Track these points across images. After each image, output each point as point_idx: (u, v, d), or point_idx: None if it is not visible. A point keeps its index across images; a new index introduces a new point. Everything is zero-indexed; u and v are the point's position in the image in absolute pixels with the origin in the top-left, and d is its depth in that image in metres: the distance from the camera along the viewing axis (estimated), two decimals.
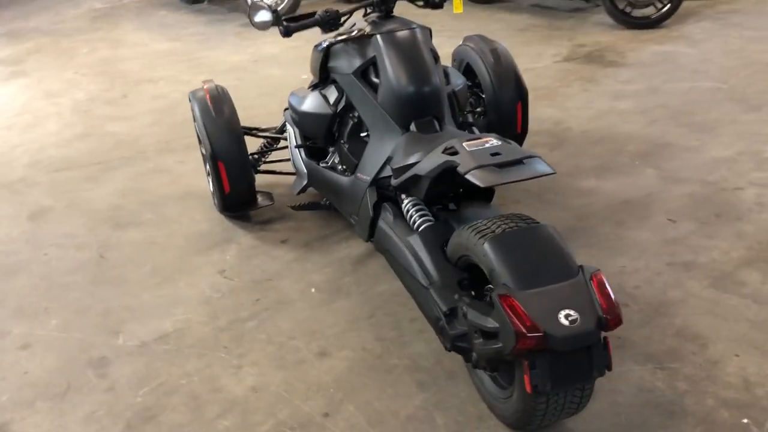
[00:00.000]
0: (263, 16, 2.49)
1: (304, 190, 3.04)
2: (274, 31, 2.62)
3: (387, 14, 2.67)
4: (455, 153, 2.00)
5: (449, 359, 2.30)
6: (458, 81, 2.92)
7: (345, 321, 2.57)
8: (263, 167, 3.37)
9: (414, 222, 2.34)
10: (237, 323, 2.60)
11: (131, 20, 7.17)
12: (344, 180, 2.73)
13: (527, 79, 4.61)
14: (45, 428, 2.21)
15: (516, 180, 1.91)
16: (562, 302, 1.72)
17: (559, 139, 3.81)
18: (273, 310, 2.66)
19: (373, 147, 2.56)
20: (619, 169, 3.45)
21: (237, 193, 3.06)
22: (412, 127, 2.46)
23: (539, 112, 4.13)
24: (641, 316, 2.48)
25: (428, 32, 2.74)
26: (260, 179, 3.36)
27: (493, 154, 1.94)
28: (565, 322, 1.69)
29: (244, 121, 3.72)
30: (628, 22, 5.41)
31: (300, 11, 4.86)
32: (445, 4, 2.88)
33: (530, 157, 1.94)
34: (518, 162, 1.91)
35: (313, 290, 2.75)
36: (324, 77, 2.86)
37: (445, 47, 3.63)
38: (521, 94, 3.30)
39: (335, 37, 2.71)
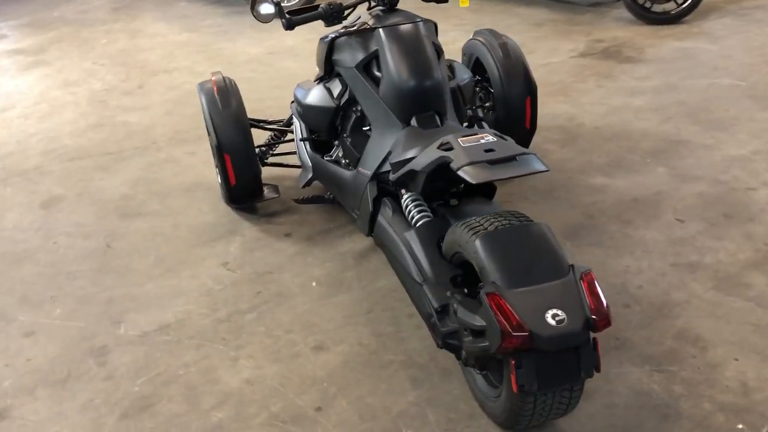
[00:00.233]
0: (266, 8, 2.49)
1: (309, 183, 3.04)
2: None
3: (391, 7, 2.65)
4: (450, 149, 1.99)
5: (444, 356, 2.29)
6: (464, 76, 2.90)
7: (343, 315, 2.57)
8: (271, 160, 3.38)
9: (412, 217, 2.33)
10: (236, 315, 2.62)
11: (151, 11, 7.21)
12: (347, 174, 2.73)
13: (542, 75, 4.60)
14: (44, 415, 2.24)
15: (508, 177, 1.89)
16: (550, 302, 1.70)
17: (571, 135, 3.77)
18: (273, 303, 2.67)
19: (375, 141, 2.56)
20: (630, 167, 3.40)
21: (242, 185, 3.07)
22: (413, 121, 2.45)
23: (552, 108, 4.08)
24: (642, 317, 2.44)
25: (433, 26, 2.72)
26: (268, 172, 3.38)
27: (487, 150, 1.92)
28: (552, 322, 1.67)
29: (256, 113, 3.74)
30: (648, 17, 5.32)
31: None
32: None
33: (524, 154, 1.92)
34: (512, 159, 1.89)
35: (314, 284, 2.76)
36: (329, 70, 2.86)
37: (462, 41, 3.62)
38: (530, 89, 3.26)
39: (341, 30, 2.70)
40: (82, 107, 4.78)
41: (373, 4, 2.71)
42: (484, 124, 3.49)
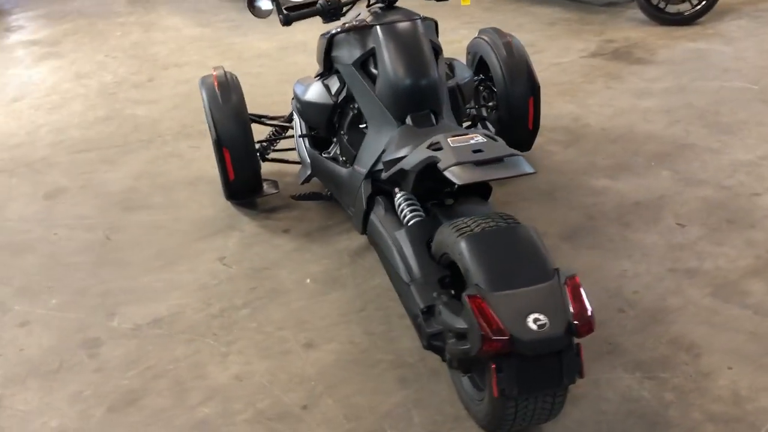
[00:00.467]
0: (264, 3, 2.48)
1: (308, 180, 3.04)
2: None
3: (390, 5, 2.63)
4: (440, 148, 1.97)
5: (433, 357, 2.26)
6: (464, 74, 2.88)
7: (336, 313, 2.56)
8: (271, 155, 3.38)
9: (404, 216, 2.31)
10: (230, 311, 2.62)
11: (167, 4, 7.24)
12: (343, 171, 2.72)
13: (551, 74, 4.56)
14: (33, 405, 2.26)
15: (493, 178, 1.87)
16: (532, 306, 1.68)
17: (576, 135, 3.73)
18: (267, 299, 2.67)
19: (370, 139, 2.54)
20: (633, 170, 3.36)
21: (242, 180, 3.08)
22: (409, 120, 2.44)
23: (559, 108, 4.05)
24: (636, 322, 2.41)
25: (432, 24, 2.70)
26: (269, 167, 3.38)
27: (476, 151, 1.90)
28: (534, 327, 1.65)
29: (263, 108, 3.74)
30: (662, 18, 5.25)
31: None
32: None
33: (512, 155, 1.89)
34: (499, 160, 1.87)
35: (308, 281, 2.75)
36: (328, 67, 2.85)
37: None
38: (533, 89, 3.23)
39: (341, 26, 2.69)
40: (92, 99, 4.82)
41: (372, 1, 2.69)
42: (488, 124, 3.48)
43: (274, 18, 2.60)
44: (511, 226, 1.88)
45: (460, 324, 1.75)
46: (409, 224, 2.24)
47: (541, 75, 4.48)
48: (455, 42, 4.90)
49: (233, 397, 2.23)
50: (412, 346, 2.36)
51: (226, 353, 2.42)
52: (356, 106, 2.67)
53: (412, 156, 2.08)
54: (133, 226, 3.22)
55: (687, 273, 2.63)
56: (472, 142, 1.95)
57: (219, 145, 3.00)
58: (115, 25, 6.71)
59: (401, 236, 2.20)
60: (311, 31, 5.01)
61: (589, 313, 1.69)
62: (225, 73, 3.16)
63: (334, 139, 2.91)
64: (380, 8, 2.64)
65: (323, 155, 2.91)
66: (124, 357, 2.43)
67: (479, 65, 3.43)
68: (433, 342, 1.95)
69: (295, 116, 3.09)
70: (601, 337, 2.34)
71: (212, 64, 5.31)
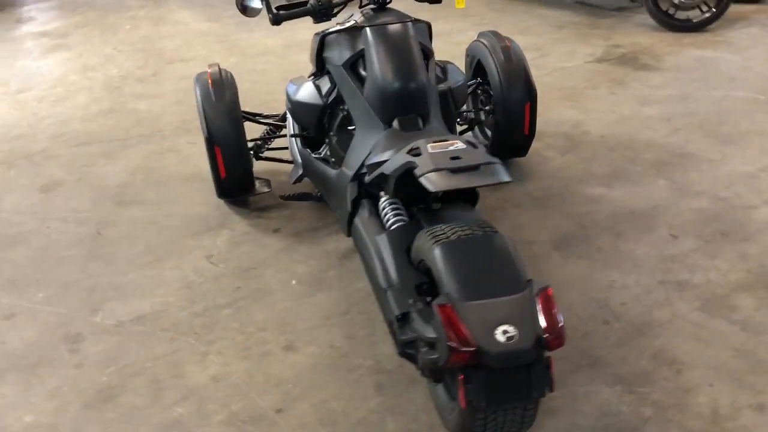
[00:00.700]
0: (253, 2, 2.47)
1: (299, 179, 3.02)
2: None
3: (382, 6, 2.61)
4: (419, 154, 1.95)
5: (412, 364, 2.25)
6: (458, 78, 2.85)
7: (319, 316, 2.55)
8: (266, 154, 3.37)
9: (387, 221, 2.29)
10: (213, 310, 2.61)
11: None
12: (332, 173, 2.70)
13: (554, 79, 4.52)
14: (10, 399, 2.26)
15: (468, 186, 1.85)
16: (502, 317, 1.66)
17: (574, 142, 3.69)
18: (251, 300, 2.66)
19: (357, 141, 2.52)
20: (630, 178, 3.31)
21: (233, 179, 3.07)
22: (396, 123, 2.41)
23: (559, 113, 4.01)
24: (621, 335, 2.38)
25: (424, 27, 2.67)
26: (262, 166, 3.37)
27: (454, 158, 1.87)
28: (502, 339, 1.62)
29: (264, 105, 3.74)
30: (671, 24, 5.19)
31: None
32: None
33: (490, 163, 1.87)
34: (476, 167, 1.84)
35: (294, 282, 2.74)
36: (320, 67, 2.83)
37: None
38: (530, 94, 3.19)
39: (333, 26, 2.67)
40: (96, 92, 4.83)
41: (365, 2, 2.67)
42: (485, 128, 3.45)
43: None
44: (487, 235, 1.86)
45: (430, 333, 1.73)
46: (390, 229, 2.22)
47: (545, 79, 4.48)
48: (463, 43, 4.83)
49: (209, 398, 2.22)
50: (392, 352, 2.32)
51: (205, 353, 2.41)
52: (346, 107, 2.65)
53: (392, 161, 2.06)
54: (124, 221, 3.23)
55: (677, 285, 2.59)
56: (450, 148, 1.92)
57: (211, 142, 2.99)
58: (125, 18, 6.73)
59: (382, 241, 2.18)
60: (317, 28, 5.00)
61: (560, 326, 1.67)
62: (220, 70, 3.15)
63: (326, 140, 2.89)
64: (372, 9, 2.62)
65: (314, 156, 2.89)
66: (104, 353, 2.43)
67: (477, 69, 3.40)
68: (406, 350, 1.92)
69: (288, 116, 3.07)
70: (583, 348, 2.32)
71: (218, 59, 5.32)
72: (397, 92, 2.41)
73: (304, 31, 5.76)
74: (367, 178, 2.26)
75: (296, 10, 2.52)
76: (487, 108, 3.37)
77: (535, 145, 3.57)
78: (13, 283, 2.83)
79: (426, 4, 2.90)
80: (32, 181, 3.65)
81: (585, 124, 3.88)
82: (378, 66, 2.44)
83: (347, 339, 2.43)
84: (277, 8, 2.51)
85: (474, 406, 1.69)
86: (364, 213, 2.39)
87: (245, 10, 2.49)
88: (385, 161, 2.15)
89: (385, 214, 2.32)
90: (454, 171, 1.83)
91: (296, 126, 3.02)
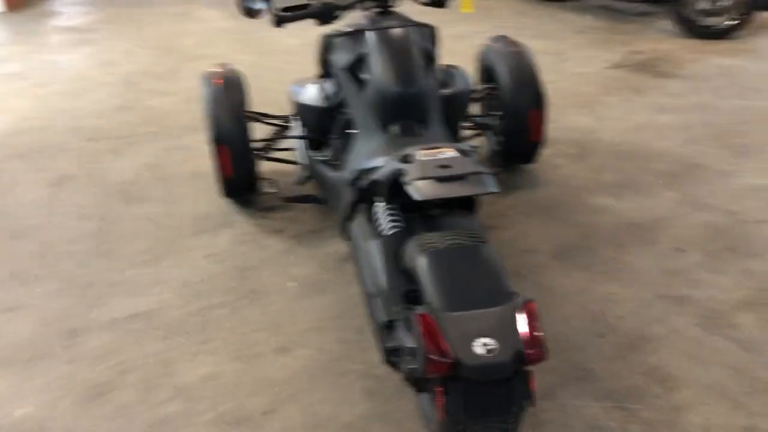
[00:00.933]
0: (255, 3, 2.46)
1: (304, 181, 3.02)
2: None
3: (386, 10, 2.59)
4: (409, 161, 1.93)
5: None
6: (463, 83, 2.82)
7: (312, 319, 2.54)
8: (274, 155, 3.37)
9: (383, 226, 2.27)
10: (207, 309, 2.62)
11: None
12: (333, 176, 2.69)
13: (570, 85, 4.47)
14: (3, 392, 2.28)
15: (452, 196, 1.82)
16: (483, 329, 1.63)
17: (585, 150, 3.64)
18: (246, 300, 2.66)
19: (357, 145, 2.51)
20: (639, 189, 3.26)
21: (237, 178, 3.07)
22: (395, 128, 2.39)
23: (572, 120, 3.96)
24: (615, 349, 2.33)
25: (429, 31, 2.65)
26: (269, 166, 3.37)
27: (442, 167, 1.85)
28: (481, 351, 1.60)
29: (278, 105, 3.72)
30: (694, 30, 5.10)
31: None
32: (452, 3, 2.75)
33: (478, 173, 1.84)
34: (462, 177, 1.82)
35: (289, 284, 2.73)
36: (325, 69, 2.82)
37: None
38: (539, 101, 3.16)
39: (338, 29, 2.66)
40: (114, 88, 4.89)
41: (370, 5, 2.65)
42: (492, 134, 3.42)
43: None
44: (474, 245, 1.83)
45: (411, 342, 1.71)
46: (383, 235, 2.20)
47: (561, 85, 4.43)
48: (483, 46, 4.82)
49: (197, 398, 2.23)
50: None
51: (197, 352, 2.42)
52: (347, 110, 2.63)
53: (384, 167, 2.05)
54: (128, 218, 3.25)
55: (677, 300, 2.54)
56: (440, 156, 1.90)
57: (215, 142, 3.00)
58: (150, 14, 6.81)
59: (374, 246, 2.16)
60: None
61: (541, 341, 1.63)
62: (228, 69, 3.16)
63: (329, 143, 2.88)
64: (377, 13, 2.60)
65: (317, 158, 2.88)
66: (97, 350, 2.45)
67: (488, 74, 3.37)
68: (390, 357, 1.91)
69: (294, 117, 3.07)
70: (575, 361, 2.28)
71: (236, 58, 5.34)
72: (396, 97, 2.39)
73: (325, 30, 5.79)
74: (361, 184, 2.25)
75: (300, 12, 2.51)
76: (496, 114, 3.34)
77: (546, 151, 3.54)
78: (14, 277, 2.87)
79: (440, 8, 2.87)
80: (42, 175, 3.70)
81: (598, 131, 3.82)
82: (378, 70, 2.42)
83: (339, 343, 2.42)
84: (281, 10, 2.50)
85: (452, 418, 1.66)
86: (359, 218, 2.37)
87: (248, 12, 2.48)
88: (378, 167, 2.14)
89: (380, 220, 2.30)
90: (441, 180, 1.81)
91: (301, 127, 3.01)
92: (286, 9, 2.51)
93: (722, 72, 4.52)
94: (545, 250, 2.85)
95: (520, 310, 1.67)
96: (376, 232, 2.28)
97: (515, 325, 1.64)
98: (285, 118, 3.33)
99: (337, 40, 2.66)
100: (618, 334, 2.39)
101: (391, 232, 2.22)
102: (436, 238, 1.87)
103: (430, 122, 2.44)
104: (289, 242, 3.00)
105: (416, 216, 2.26)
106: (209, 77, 3.14)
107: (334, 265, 2.83)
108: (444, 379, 1.65)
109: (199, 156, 3.78)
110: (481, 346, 1.61)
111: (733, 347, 2.31)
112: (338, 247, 2.93)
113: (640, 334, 2.38)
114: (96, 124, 4.29)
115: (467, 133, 3.43)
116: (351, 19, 2.72)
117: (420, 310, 1.69)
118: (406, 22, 2.56)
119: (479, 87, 3.42)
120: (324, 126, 2.79)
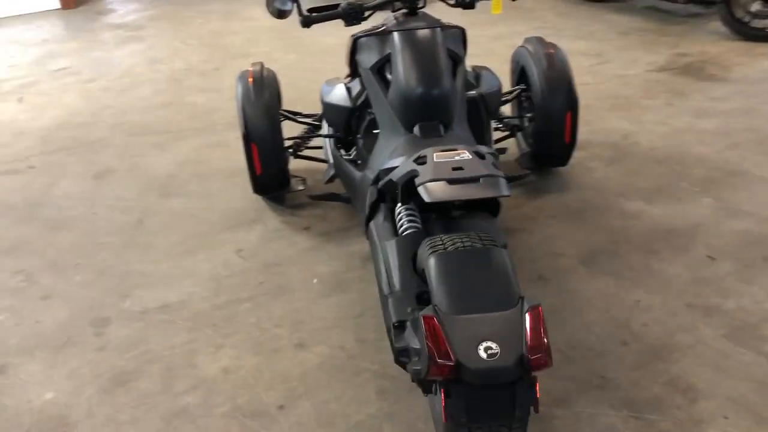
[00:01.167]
0: (283, 3, 2.49)
1: (332, 180, 3.05)
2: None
3: (412, 11, 2.60)
4: (424, 162, 1.94)
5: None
6: (491, 84, 2.81)
7: (333, 316, 2.57)
8: (305, 153, 3.41)
9: (401, 226, 2.28)
10: (234, 303, 2.68)
11: None
12: (357, 175, 2.72)
13: (610, 87, 4.39)
14: (35, 376, 2.39)
15: (463, 198, 1.82)
16: (487, 333, 1.63)
17: (620, 153, 3.57)
18: (271, 296, 2.71)
19: (380, 145, 2.53)
20: (674, 194, 3.19)
21: (268, 176, 3.13)
22: (417, 129, 2.40)
23: (610, 123, 3.89)
24: (637, 357, 2.29)
25: (456, 33, 2.65)
26: (300, 164, 3.41)
27: (455, 169, 1.85)
28: (483, 355, 1.60)
29: (314, 104, 3.77)
30: (745, 33, 4.95)
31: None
32: (481, 4, 2.74)
33: (491, 176, 1.83)
34: (475, 180, 1.82)
35: (315, 281, 2.77)
36: (353, 70, 2.85)
37: None
38: (571, 103, 3.12)
39: (366, 30, 2.69)
40: (159, 85, 5.02)
41: (398, 6, 2.66)
42: (522, 135, 3.39)
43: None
44: (485, 248, 1.83)
45: (416, 343, 1.72)
46: (399, 235, 2.21)
47: (601, 87, 4.36)
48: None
49: (216, 390, 2.28)
50: None
51: (220, 345, 2.47)
52: (372, 110, 2.66)
53: (400, 168, 2.06)
54: (165, 212, 3.34)
55: (705, 310, 2.48)
56: (456, 158, 1.90)
57: (247, 139, 3.05)
58: (198, 12, 6.96)
59: (390, 246, 2.18)
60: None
61: (546, 346, 1.62)
62: (262, 69, 3.22)
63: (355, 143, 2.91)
64: (405, 14, 2.62)
65: (344, 157, 2.91)
66: (126, 338, 2.53)
67: (521, 75, 3.35)
68: (400, 357, 1.92)
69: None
70: (594, 368, 2.25)
71: (278, 56, 5.44)
72: (419, 98, 2.40)
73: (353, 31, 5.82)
74: (379, 184, 2.27)
75: (327, 13, 2.54)
76: (528, 115, 3.31)
77: (580, 154, 3.50)
78: (55, 266, 2.98)
79: (469, 9, 2.86)
80: (87, 168, 3.83)
81: (635, 135, 3.75)
82: (402, 71, 2.43)
83: (357, 342, 2.45)
84: (308, 10, 2.54)
85: (454, 420, 1.67)
86: (379, 217, 2.39)
87: (277, 12, 2.52)
88: (395, 167, 2.15)
89: (400, 220, 2.31)
90: (453, 182, 1.81)
91: (329, 127, 3.05)
92: (313, 9, 2.55)
93: None
94: (572, 254, 2.82)
95: (526, 315, 1.66)
96: (395, 232, 2.30)
97: (520, 330, 1.64)
98: (317, 116, 3.37)
99: (364, 41, 2.68)
100: (641, 342, 2.35)
101: (407, 232, 2.23)
102: (446, 240, 1.87)
103: (453, 123, 2.44)
104: (317, 240, 3.04)
105: (435, 217, 2.28)
106: (243, 76, 3.20)
107: (358, 263, 2.85)
108: (447, 381, 1.65)
109: (238, 153, 3.84)
110: (483, 349, 1.61)
111: (761, 360, 2.24)
112: (363, 246, 2.95)
113: (665, 343, 2.34)
114: (140, 120, 4.41)
115: (498, 134, 3.41)
116: (380, 20, 2.74)
117: (425, 311, 1.69)
118: (433, 23, 2.57)
119: (511, 88, 3.40)
120: (349, 125, 2.82)
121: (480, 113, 2.73)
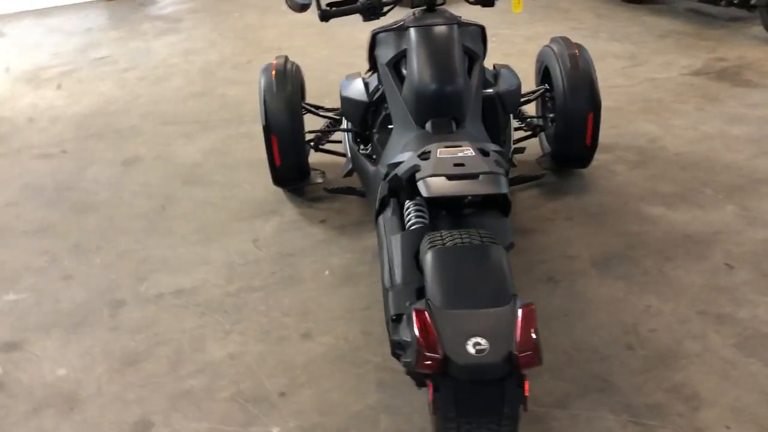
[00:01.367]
0: None
1: (349, 174, 3.08)
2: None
3: (430, 7, 2.60)
4: (427, 158, 1.95)
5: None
6: (510, 83, 2.79)
7: (341, 308, 2.60)
8: (327, 146, 3.44)
9: (409, 221, 2.29)
10: (245, 291, 2.72)
11: None
12: (372, 169, 2.73)
13: (642, 90, 4.32)
14: (49, 353, 2.47)
15: (459, 194, 1.83)
16: (477, 329, 1.63)
17: (646, 157, 3.52)
18: (282, 285, 2.74)
19: (393, 140, 2.54)
20: (696, 200, 3.13)
21: (286, 168, 3.17)
22: (428, 125, 2.41)
23: (638, 127, 3.83)
24: (641, 362, 2.27)
25: (474, 30, 2.64)
26: (320, 157, 3.44)
27: (457, 165, 1.86)
28: (471, 350, 1.60)
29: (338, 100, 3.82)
30: None
31: None
32: (501, 3, 2.73)
33: (491, 173, 1.83)
34: (474, 176, 1.82)
35: (326, 273, 2.80)
36: (372, 65, 2.86)
37: None
38: (594, 105, 3.09)
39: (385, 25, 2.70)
40: (192, 76, 5.11)
41: (417, 2, 2.66)
42: (541, 136, 3.37)
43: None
44: (482, 245, 1.83)
45: (408, 337, 1.73)
46: (404, 230, 2.22)
47: (632, 90, 4.30)
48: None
49: (221, 374, 2.33)
50: None
51: (228, 331, 2.52)
52: (387, 105, 2.67)
53: (405, 163, 2.07)
54: (187, 199, 3.41)
55: (717, 318, 2.43)
56: (458, 155, 1.91)
57: (268, 131, 3.10)
58: (236, 5, 7.04)
59: (395, 241, 2.19)
60: None
61: (535, 345, 1.62)
62: (285, 62, 3.26)
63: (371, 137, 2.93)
64: (423, 10, 2.62)
65: (360, 151, 2.93)
66: (139, 320, 2.60)
67: (545, 75, 3.32)
68: (396, 350, 1.93)
69: None
70: (596, 372, 2.23)
71: (311, 51, 5.48)
72: (431, 94, 2.40)
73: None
74: (387, 179, 2.28)
75: (345, 7, 2.56)
76: (550, 115, 3.29)
77: (604, 157, 3.47)
78: (77, 248, 3.07)
79: (488, 7, 2.85)
80: (117, 155, 3.92)
81: (662, 139, 3.69)
82: (416, 66, 2.44)
83: (363, 334, 2.47)
84: (327, 5, 2.56)
85: (442, 414, 1.67)
86: (388, 212, 2.40)
87: (296, 6, 2.55)
88: (401, 162, 2.16)
89: (408, 215, 2.32)
90: (452, 177, 1.81)
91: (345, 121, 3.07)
92: (332, 4, 2.57)
93: None
94: (585, 257, 2.79)
95: (518, 313, 1.66)
96: (402, 227, 2.31)
97: (510, 327, 1.64)
98: (338, 111, 3.39)
99: (382, 36, 2.70)
100: (648, 347, 2.32)
101: (413, 228, 2.24)
102: (445, 236, 1.88)
103: (466, 120, 2.44)
104: (332, 232, 3.07)
105: (445, 214, 2.28)
106: (267, 69, 3.25)
107: (370, 258, 2.87)
108: (435, 375, 1.66)
109: (262, 145, 3.82)
110: (472, 345, 1.61)
111: None
112: (376, 240, 2.97)
113: (672, 350, 2.31)
114: (171, 109, 4.50)
115: (521, 134, 3.40)
116: (401, 16, 2.75)
117: (417, 305, 1.70)
118: (451, 20, 2.57)
119: (535, 88, 3.38)
120: (365, 120, 2.84)
121: (497, 111, 2.72)
